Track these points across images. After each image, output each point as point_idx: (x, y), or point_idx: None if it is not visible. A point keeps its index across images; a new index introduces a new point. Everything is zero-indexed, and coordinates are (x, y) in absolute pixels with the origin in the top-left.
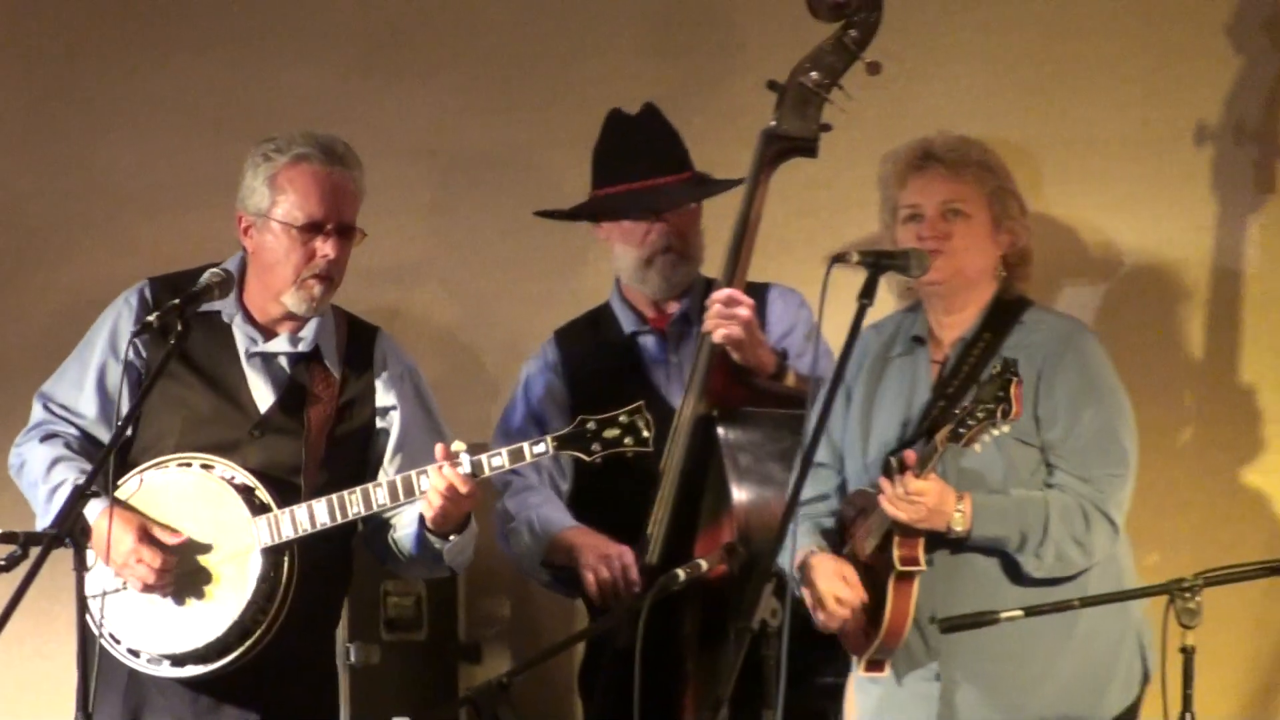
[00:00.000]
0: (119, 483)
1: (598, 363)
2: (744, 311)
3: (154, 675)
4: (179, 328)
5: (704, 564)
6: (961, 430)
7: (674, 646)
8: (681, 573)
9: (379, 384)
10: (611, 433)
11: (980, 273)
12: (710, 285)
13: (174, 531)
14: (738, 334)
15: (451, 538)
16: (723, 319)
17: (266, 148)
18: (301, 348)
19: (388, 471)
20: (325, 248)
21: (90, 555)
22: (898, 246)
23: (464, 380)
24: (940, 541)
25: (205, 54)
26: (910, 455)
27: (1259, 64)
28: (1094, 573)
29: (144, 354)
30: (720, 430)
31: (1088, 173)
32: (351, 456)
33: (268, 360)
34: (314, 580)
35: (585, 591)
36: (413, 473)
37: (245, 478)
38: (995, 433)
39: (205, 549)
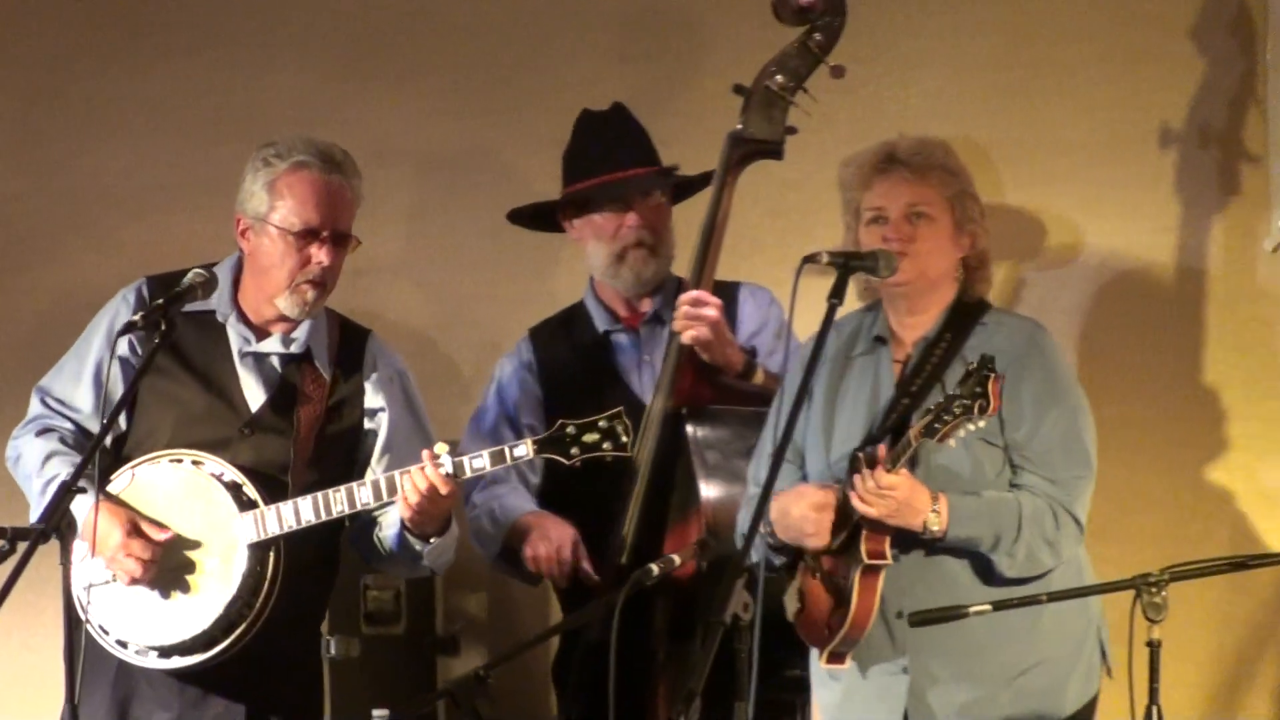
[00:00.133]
0: (112, 477)
1: (571, 361)
2: (711, 312)
3: (142, 666)
4: (163, 326)
5: (677, 559)
6: (937, 425)
7: (645, 640)
8: (655, 567)
9: (368, 386)
10: (591, 437)
11: (942, 274)
12: (682, 285)
13: (162, 526)
14: (705, 335)
15: (432, 540)
16: (690, 320)
17: (267, 153)
18: (293, 349)
19: (375, 472)
20: (320, 254)
21: (82, 547)
22: (861, 247)
23: (441, 380)
24: (914, 541)
25: (191, 59)
26: (881, 449)
27: (1223, 68)
28: (1056, 570)
29: (139, 351)
30: (688, 428)
31: (1054, 175)
32: (340, 456)
33: (260, 360)
34: (301, 576)
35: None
36: (397, 473)
37: (234, 474)
38: (971, 428)
39: (193, 543)
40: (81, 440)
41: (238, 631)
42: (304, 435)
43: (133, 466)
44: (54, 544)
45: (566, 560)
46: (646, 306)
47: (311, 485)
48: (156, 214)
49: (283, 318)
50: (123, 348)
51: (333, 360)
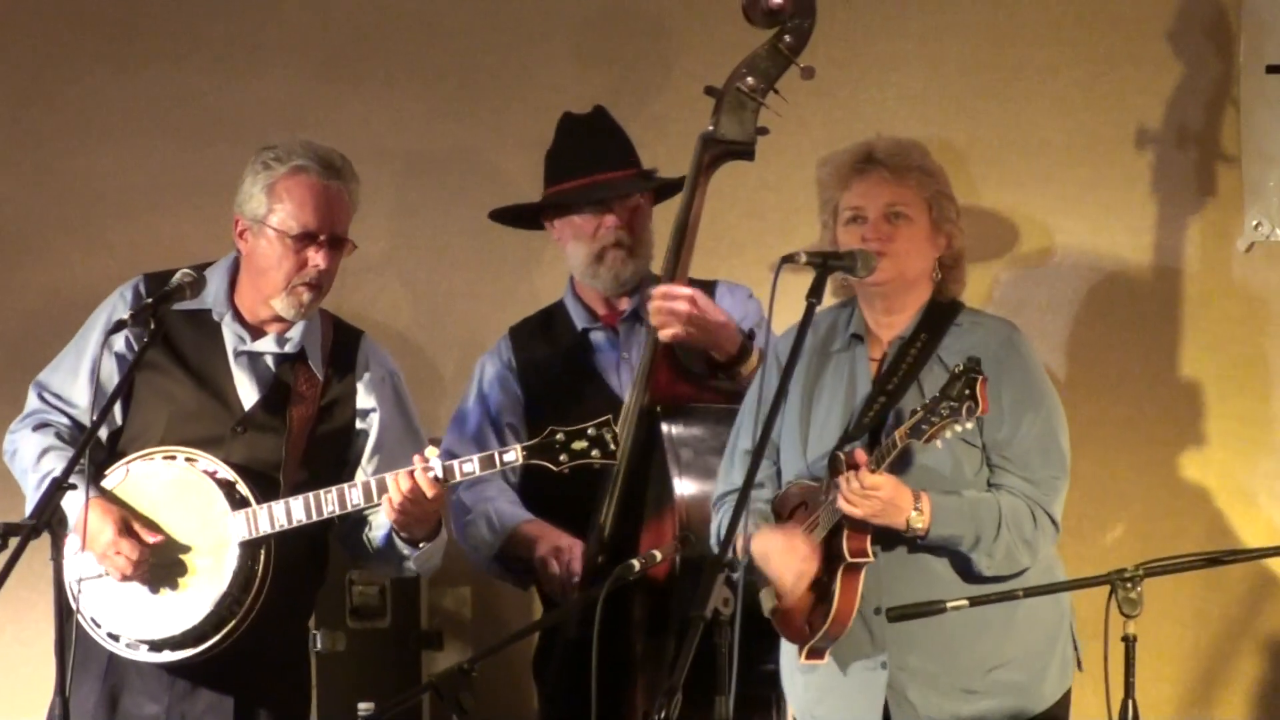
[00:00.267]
0: (106, 472)
1: (550, 359)
2: (681, 306)
3: (133, 659)
4: (152, 325)
5: (658, 554)
6: (924, 426)
7: (623, 635)
8: (636, 563)
9: (360, 386)
10: (579, 444)
11: (919, 275)
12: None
13: (154, 527)
14: (678, 333)
15: (420, 545)
16: (664, 317)
17: (266, 156)
18: (288, 348)
19: (365, 472)
20: (317, 258)
21: (75, 541)
22: (839, 246)
23: (424, 377)
24: (896, 539)
25: (179, 61)
26: (860, 454)
27: (1199, 69)
28: (1030, 568)
29: (135, 347)
30: (663, 425)
31: (1031, 176)
32: (331, 456)
33: (254, 359)
34: (291, 573)
35: (538, 582)
36: (387, 475)
37: (227, 472)
38: (959, 428)
39: (185, 540)
40: (77, 435)
41: (228, 627)
42: (296, 434)
43: (127, 462)
44: (46, 539)
45: (575, 572)
46: (625, 305)
47: (303, 484)
48: (145, 214)
49: (278, 318)
50: (119, 344)
51: (326, 360)
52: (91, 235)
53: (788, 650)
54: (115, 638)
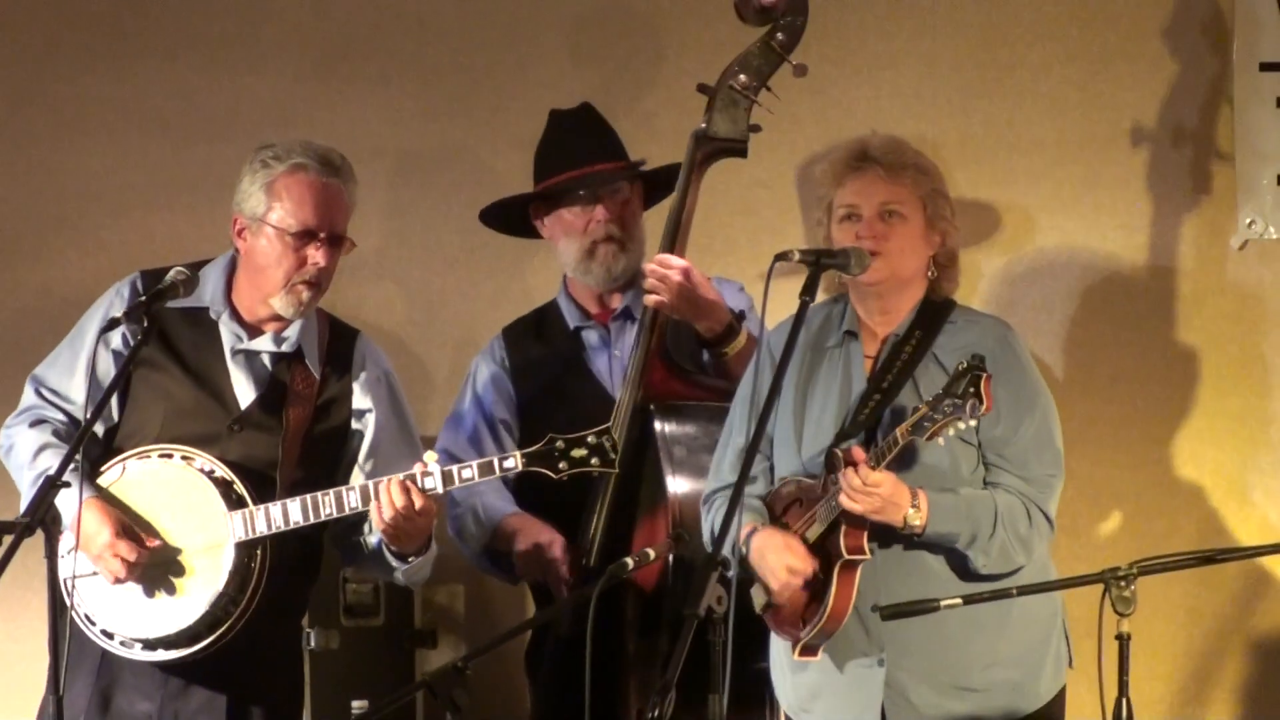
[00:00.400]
0: (102, 469)
1: (543, 358)
2: (675, 276)
3: (126, 657)
4: (145, 323)
5: (652, 553)
6: (927, 424)
7: (616, 633)
8: (630, 561)
9: (357, 386)
10: (579, 452)
11: (914, 273)
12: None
13: (151, 528)
14: (668, 302)
15: (410, 559)
16: (653, 282)
17: (265, 154)
18: (285, 347)
19: (361, 472)
20: (317, 255)
21: (70, 538)
22: (833, 243)
23: (416, 376)
24: (892, 536)
25: (172, 60)
26: (859, 452)
27: (1194, 67)
28: (1025, 565)
29: (132, 344)
30: (655, 423)
31: (1025, 174)
32: (326, 455)
33: (251, 358)
34: (285, 572)
35: (520, 573)
36: (380, 483)
37: (224, 471)
38: (962, 426)
39: (181, 539)
40: (73, 432)
41: (223, 628)
42: (293, 433)
43: (123, 460)
44: (40, 537)
45: (560, 562)
46: (617, 303)
47: (298, 483)
48: (138, 213)
49: (275, 316)
50: (116, 341)
51: (323, 359)
52: (86, 233)
53: (777, 648)
54: (109, 636)
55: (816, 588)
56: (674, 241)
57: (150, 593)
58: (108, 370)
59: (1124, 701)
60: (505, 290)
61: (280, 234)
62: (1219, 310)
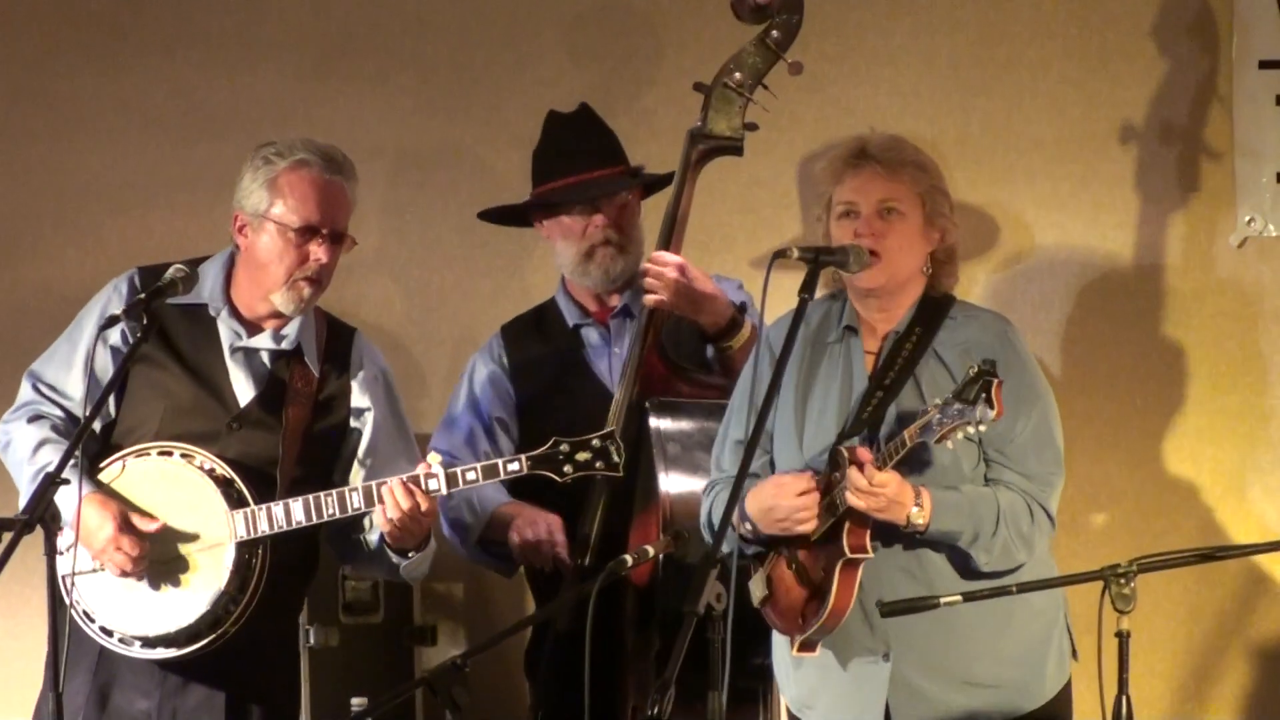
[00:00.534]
0: (101, 466)
1: (542, 356)
2: (670, 273)
3: (125, 655)
4: (144, 321)
5: (650, 550)
6: (936, 427)
7: (614, 630)
8: (629, 558)
9: (355, 385)
10: (583, 455)
11: (912, 270)
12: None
13: (153, 520)
14: (666, 299)
15: (411, 555)
16: (649, 281)
17: (267, 151)
18: (284, 345)
19: (360, 470)
20: (318, 252)
21: (70, 535)
22: (832, 240)
23: (416, 374)
24: (894, 533)
25: (170, 58)
26: (864, 452)
27: (1186, 66)
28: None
29: (130, 341)
30: (651, 419)
31: (1022, 172)
32: (325, 453)
33: (250, 355)
34: (282, 570)
35: (518, 562)
36: (384, 484)
37: (225, 470)
38: (971, 430)
39: (182, 537)
40: (71, 428)
41: (223, 626)
42: (292, 431)
43: (122, 457)
44: (39, 533)
45: (555, 542)
46: (616, 301)
47: (298, 481)
48: (136, 210)
49: (274, 314)
50: (115, 337)
51: (321, 357)
52: (84, 231)
53: (781, 643)
54: (108, 633)
55: (818, 585)
56: (670, 240)
57: (150, 590)
58: (105, 367)
59: (1124, 699)
60: (504, 288)
61: (283, 230)
62: (1218, 308)
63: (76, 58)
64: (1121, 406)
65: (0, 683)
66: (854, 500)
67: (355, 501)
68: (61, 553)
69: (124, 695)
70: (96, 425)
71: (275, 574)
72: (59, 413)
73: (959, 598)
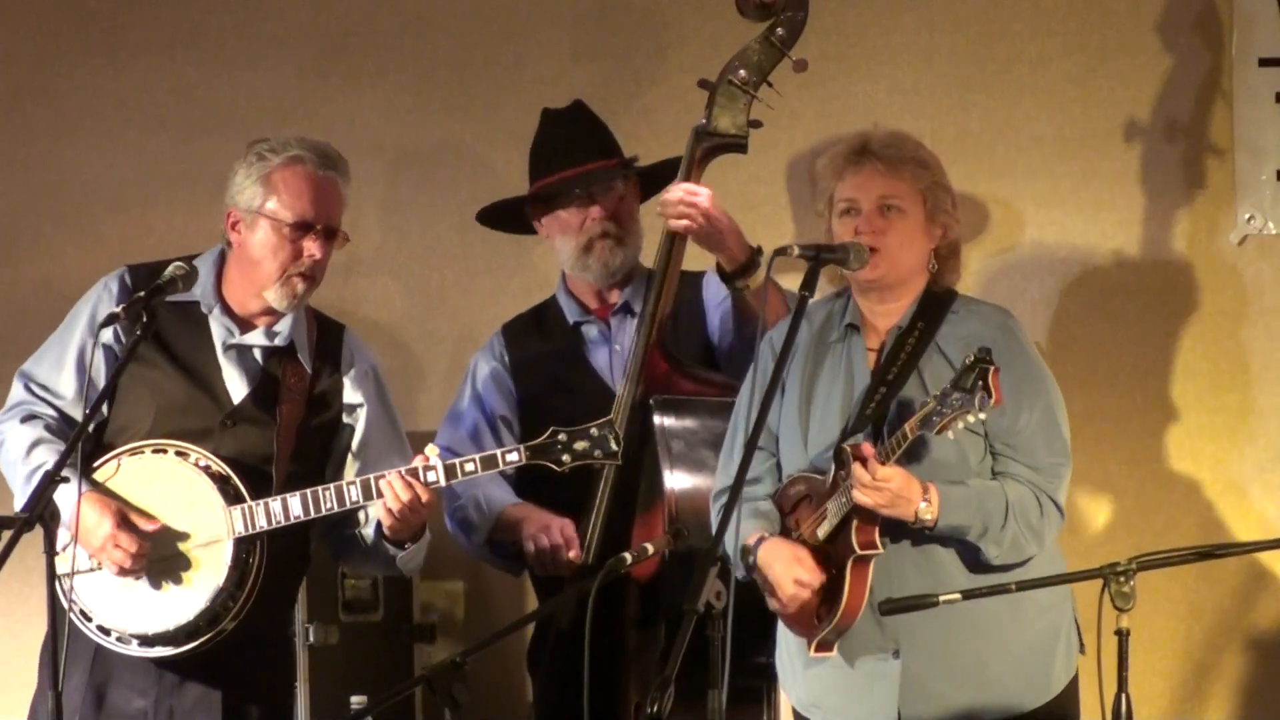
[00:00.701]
0: (95, 465)
1: (543, 354)
2: (703, 201)
3: (121, 653)
4: (144, 318)
5: (650, 548)
6: (936, 418)
7: (616, 627)
8: (629, 556)
9: (347, 381)
10: (581, 445)
11: (913, 267)
12: (651, 277)
13: (150, 517)
14: (693, 226)
15: (407, 546)
16: (682, 208)
17: (261, 148)
18: (277, 341)
19: (354, 464)
20: (312, 247)
21: (67, 534)
22: (833, 237)
23: (416, 371)
24: (903, 530)
25: (170, 55)
26: (867, 448)
27: (1192, 62)
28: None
29: (123, 339)
30: (655, 417)
31: (1023, 169)
32: (319, 450)
33: (243, 352)
34: (277, 566)
35: (529, 565)
36: (384, 476)
37: (220, 466)
38: (971, 419)
39: (179, 535)
40: (64, 427)
41: (222, 623)
42: (286, 428)
43: (116, 455)
44: (39, 532)
45: (573, 542)
46: (616, 298)
47: (293, 477)
48: (136, 207)
49: (267, 311)
50: (107, 336)
51: (313, 354)
52: (84, 228)
53: (787, 643)
54: (106, 632)
55: (830, 584)
56: (673, 239)
57: (148, 588)
58: (98, 366)
59: (1123, 697)
60: (503, 286)
61: (277, 225)
62: (1218, 305)
63: (76, 55)
64: (1121, 404)
65: (2, 681)
66: (860, 496)
67: (354, 495)
68: (59, 552)
69: (120, 694)
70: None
71: (269, 570)
72: (52, 413)
73: (958, 596)
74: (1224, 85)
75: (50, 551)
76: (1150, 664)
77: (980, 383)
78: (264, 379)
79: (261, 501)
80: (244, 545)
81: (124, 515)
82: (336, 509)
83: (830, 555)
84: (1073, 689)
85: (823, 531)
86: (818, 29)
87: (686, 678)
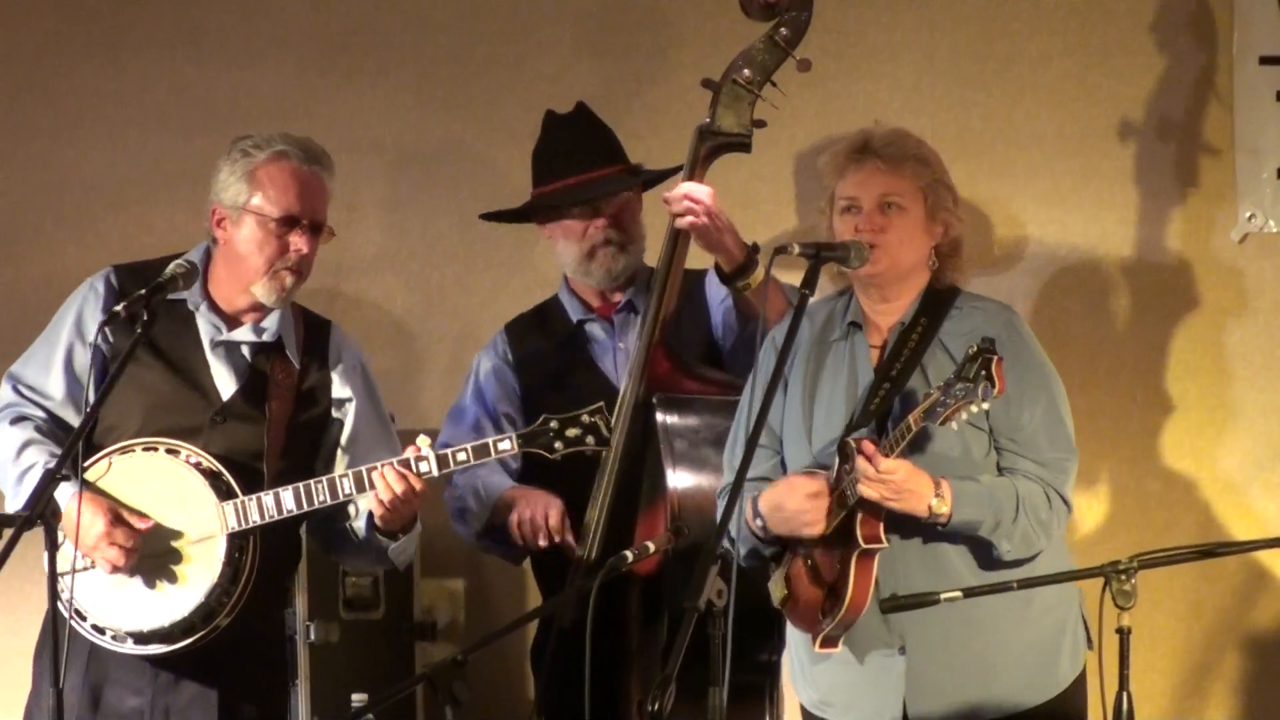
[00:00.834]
0: (86, 465)
1: (546, 352)
2: (707, 199)
3: (117, 651)
4: (144, 317)
5: (651, 546)
6: (939, 409)
7: (618, 625)
8: (630, 554)
9: (335, 376)
10: (573, 431)
11: (915, 264)
12: (655, 276)
13: (143, 515)
14: (702, 222)
15: (399, 537)
16: (687, 204)
17: (245, 144)
18: (265, 337)
19: (344, 458)
20: (299, 242)
21: (60, 534)
22: (834, 234)
23: (417, 370)
24: (910, 525)
25: (170, 53)
26: (868, 444)
27: (1184, 62)
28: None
29: (111, 339)
30: (658, 415)
31: (1023, 167)
32: (309, 445)
33: (230, 349)
34: (270, 561)
35: (531, 560)
36: (378, 465)
37: (211, 463)
38: (975, 409)
39: (173, 532)
40: (54, 428)
41: (216, 619)
42: (276, 424)
43: (108, 454)
44: (39, 530)
45: (553, 524)
46: (619, 297)
47: (283, 473)
48: (136, 206)
49: (253, 307)
50: (92, 335)
51: (301, 349)
52: (84, 226)
53: (795, 641)
54: (100, 630)
55: (834, 579)
56: (675, 238)
57: (142, 585)
58: (85, 367)
59: (1124, 695)
60: (504, 284)
61: (263, 221)
62: (1218, 304)
63: (77, 54)
64: (1121, 402)
65: (2, 680)
66: (864, 490)
67: (346, 487)
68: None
69: (116, 693)
70: (78, 423)
71: (262, 565)
72: (41, 414)
73: (959, 594)
74: (1223, 84)
75: (52, 549)
76: (1151, 662)
77: (984, 372)
78: (252, 375)
79: (254, 496)
80: (237, 540)
81: (117, 513)
82: (329, 501)
83: (835, 550)
84: (1079, 686)
85: (828, 525)
86: (818, 27)
87: (688, 675)
